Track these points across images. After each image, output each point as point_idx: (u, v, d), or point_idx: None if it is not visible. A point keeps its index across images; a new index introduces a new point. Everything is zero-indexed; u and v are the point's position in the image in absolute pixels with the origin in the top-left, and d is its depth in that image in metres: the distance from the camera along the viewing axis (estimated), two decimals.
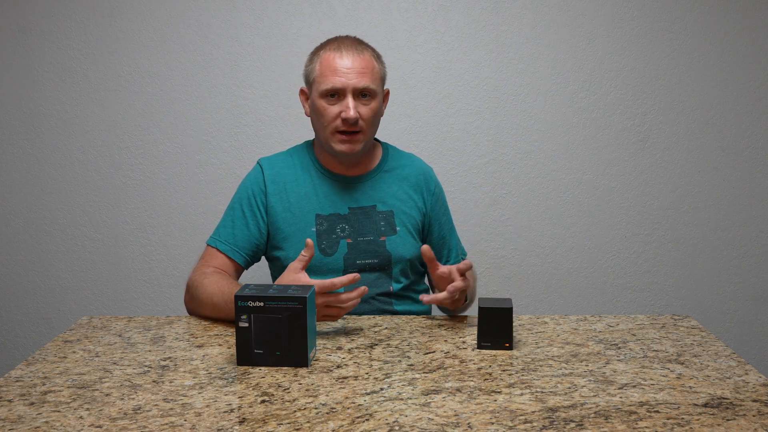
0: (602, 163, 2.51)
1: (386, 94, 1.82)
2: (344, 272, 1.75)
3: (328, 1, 2.42)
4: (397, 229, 1.78)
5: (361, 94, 1.69)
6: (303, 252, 1.54)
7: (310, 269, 1.75)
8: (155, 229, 2.51)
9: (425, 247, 1.56)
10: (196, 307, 1.68)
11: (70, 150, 2.48)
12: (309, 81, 1.75)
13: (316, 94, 1.71)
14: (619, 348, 1.46)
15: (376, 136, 1.87)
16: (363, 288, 1.51)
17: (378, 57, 1.75)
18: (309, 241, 1.53)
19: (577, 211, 2.53)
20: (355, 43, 1.73)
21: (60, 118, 2.46)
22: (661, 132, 2.50)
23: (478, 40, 2.44)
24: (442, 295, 1.56)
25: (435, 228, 1.85)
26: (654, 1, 2.44)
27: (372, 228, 1.77)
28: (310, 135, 2.44)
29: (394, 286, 1.78)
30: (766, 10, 2.45)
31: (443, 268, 1.58)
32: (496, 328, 1.44)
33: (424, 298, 1.58)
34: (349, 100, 1.68)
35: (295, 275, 1.53)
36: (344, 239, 1.76)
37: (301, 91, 1.80)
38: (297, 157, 1.83)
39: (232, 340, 1.50)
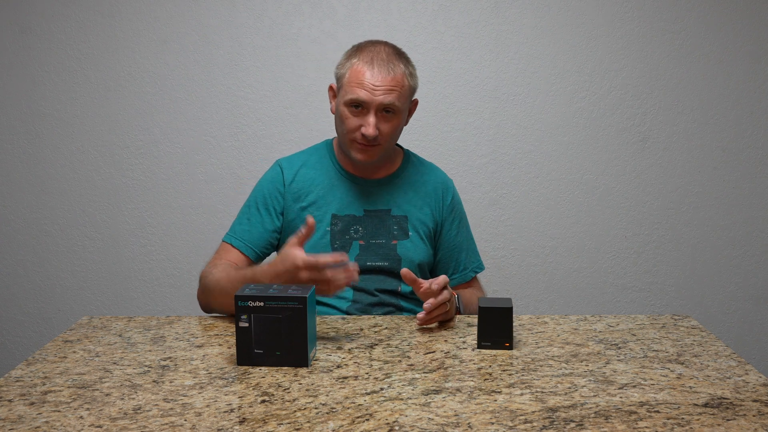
0: (602, 163, 2.50)
1: (414, 104, 1.81)
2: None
3: (328, 1, 2.41)
4: (410, 234, 1.79)
5: (384, 110, 1.69)
6: (302, 228, 1.49)
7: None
8: (155, 229, 2.51)
9: (404, 271, 1.56)
10: (207, 296, 1.69)
11: (70, 150, 2.48)
12: (338, 83, 1.74)
13: (341, 100, 1.71)
14: (619, 348, 1.46)
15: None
16: (350, 270, 1.46)
17: (411, 73, 1.73)
18: (310, 219, 1.48)
19: (577, 211, 2.53)
20: (390, 56, 1.70)
21: (60, 118, 2.46)
22: (661, 132, 2.50)
23: (478, 40, 2.44)
24: (421, 313, 1.57)
25: (444, 240, 1.85)
26: (654, 1, 2.44)
27: (385, 231, 1.78)
28: (310, 135, 2.44)
29: (403, 288, 1.79)
30: (766, 9, 2.45)
31: (425, 285, 1.58)
32: (496, 327, 1.44)
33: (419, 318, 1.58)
34: (371, 118, 1.67)
35: (289, 248, 1.48)
36: (357, 240, 1.77)
37: (330, 87, 1.80)
38: (316, 157, 1.84)
39: (232, 340, 1.50)
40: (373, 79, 1.67)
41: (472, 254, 1.91)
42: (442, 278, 1.57)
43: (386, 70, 1.68)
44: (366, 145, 1.71)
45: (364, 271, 1.77)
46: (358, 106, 1.68)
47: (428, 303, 1.55)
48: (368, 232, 1.78)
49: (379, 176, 1.82)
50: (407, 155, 1.88)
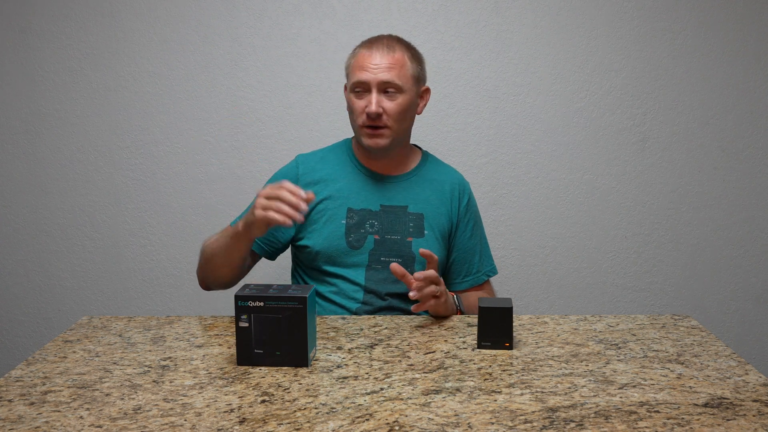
0: (602, 163, 2.50)
1: (424, 92, 1.84)
2: (368, 267, 1.77)
3: (328, 1, 2.41)
4: (425, 232, 1.80)
5: (386, 89, 1.73)
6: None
7: (335, 261, 1.76)
8: (155, 229, 2.51)
9: (393, 265, 1.56)
10: (200, 264, 1.75)
11: (70, 150, 2.48)
12: (347, 78, 1.81)
13: (348, 89, 1.78)
14: (619, 348, 1.46)
15: (417, 143, 1.92)
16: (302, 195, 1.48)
17: (413, 56, 1.78)
18: (310, 194, 1.50)
19: (577, 211, 2.53)
20: (389, 41, 1.77)
21: (60, 118, 2.46)
22: (661, 132, 2.50)
23: (478, 40, 2.44)
24: (411, 293, 1.57)
25: (459, 242, 1.86)
26: (654, 1, 2.44)
27: (400, 228, 1.79)
28: (310, 135, 2.45)
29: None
30: (766, 9, 2.45)
31: (414, 283, 1.57)
32: (496, 327, 1.44)
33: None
34: (373, 95, 1.72)
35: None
36: (372, 235, 1.78)
37: (345, 87, 1.85)
38: (334, 153, 1.88)
39: (232, 340, 1.50)
40: (372, 60, 1.72)
41: (486, 258, 1.92)
42: (425, 273, 1.58)
43: (385, 51, 1.74)
44: (373, 127, 1.73)
45: (378, 266, 1.78)
46: (360, 90, 1.74)
47: (414, 281, 1.55)
48: (384, 227, 1.79)
49: (396, 173, 1.84)
50: (425, 155, 1.91)
